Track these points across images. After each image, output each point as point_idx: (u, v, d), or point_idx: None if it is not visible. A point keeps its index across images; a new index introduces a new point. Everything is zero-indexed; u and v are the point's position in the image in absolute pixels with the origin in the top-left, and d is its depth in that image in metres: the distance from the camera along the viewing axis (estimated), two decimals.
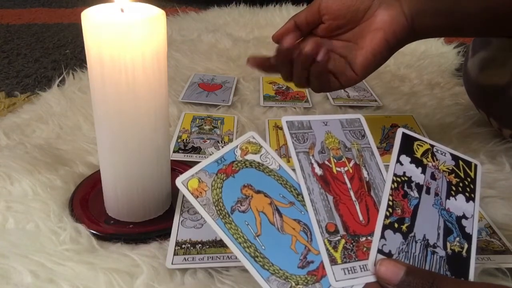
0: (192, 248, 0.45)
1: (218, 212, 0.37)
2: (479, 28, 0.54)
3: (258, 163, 0.41)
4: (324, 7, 0.54)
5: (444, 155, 0.43)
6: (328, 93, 0.82)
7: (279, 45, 0.55)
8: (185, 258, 0.44)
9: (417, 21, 0.50)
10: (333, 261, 0.36)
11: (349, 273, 0.36)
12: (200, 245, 0.45)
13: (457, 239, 0.39)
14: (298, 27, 0.56)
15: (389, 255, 0.37)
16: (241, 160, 0.40)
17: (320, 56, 0.53)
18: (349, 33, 0.54)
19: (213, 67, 0.95)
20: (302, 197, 0.39)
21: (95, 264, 0.43)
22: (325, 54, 0.53)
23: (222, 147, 0.64)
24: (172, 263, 0.43)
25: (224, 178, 0.39)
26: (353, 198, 0.40)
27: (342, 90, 0.83)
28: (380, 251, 0.37)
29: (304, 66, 0.54)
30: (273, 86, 0.85)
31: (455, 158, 0.43)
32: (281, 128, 0.69)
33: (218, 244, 0.45)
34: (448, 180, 0.42)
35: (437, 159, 0.43)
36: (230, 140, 0.67)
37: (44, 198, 0.51)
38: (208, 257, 0.44)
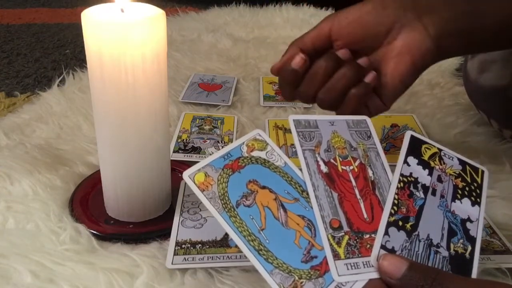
0: (192, 248, 0.45)
1: (224, 205, 0.37)
2: (500, 43, 0.51)
3: (264, 159, 0.41)
4: (337, 31, 0.48)
5: (452, 160, 0.43)
6: None
7: (286, 67, 0.49)
8: (185, 258, 0.44)
9: (442, 43, 0.47)
10: (336, 256, 0.36)
11: (352, 269, 0.36)
12: (200, 245, 0.45)
13: (461, 241, 0.39)
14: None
15: (392, 251, 0.37)
16: (247, 157, 0.41)
17: (369, 77, 0.47)
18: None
19: (213, 67, 0.95)
20: (307, 194, 0.39)
21: (95, 264, 0.43)
22: (374, 76, 0.47)
23: (222, 147, 0.64)
24: (172, 263, 0.43)
25: (230, 173, 0.39)
26: (358, 196, 0.40)
27: None
28: (383, 247, 0.37)
29: (343, 86, 0.47)
30: (273, 86, 0.85)
31: (462, 163, 0.44)
32: (281, 128, 0.69)
33: (218, 244, 0.45)
34: (454, 183, 0.42)
35: (444, 163, 0.43)
36: (230, 140, 0.67)
37: (44, 198, 0.51)
38: (208, 257, 0.44)
